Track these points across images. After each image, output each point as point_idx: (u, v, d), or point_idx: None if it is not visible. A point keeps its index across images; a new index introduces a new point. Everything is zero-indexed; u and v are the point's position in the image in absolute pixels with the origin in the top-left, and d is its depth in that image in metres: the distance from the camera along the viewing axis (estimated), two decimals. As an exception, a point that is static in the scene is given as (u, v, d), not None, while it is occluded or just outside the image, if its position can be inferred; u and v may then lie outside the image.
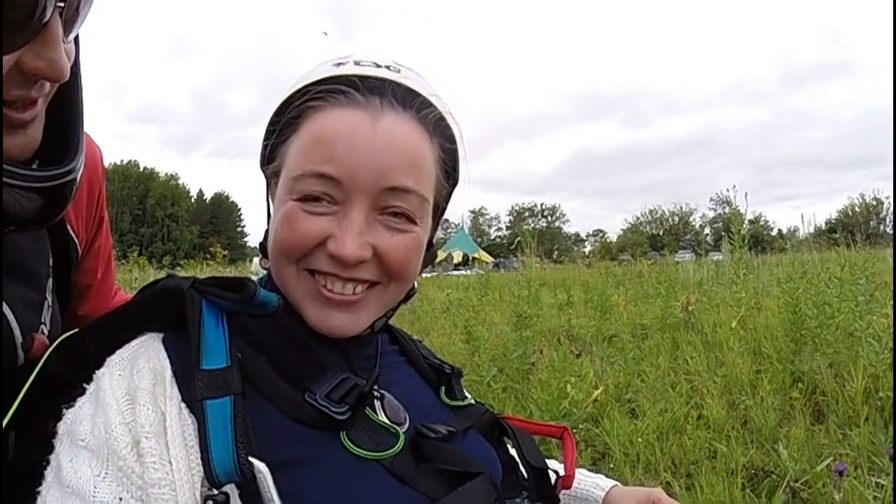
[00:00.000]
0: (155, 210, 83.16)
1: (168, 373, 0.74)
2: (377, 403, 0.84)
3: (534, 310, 6.01)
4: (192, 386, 0.71)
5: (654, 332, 6.78)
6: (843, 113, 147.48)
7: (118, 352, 0.78)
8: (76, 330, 0.85)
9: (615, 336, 6.63)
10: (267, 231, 0.90)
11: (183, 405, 0.72)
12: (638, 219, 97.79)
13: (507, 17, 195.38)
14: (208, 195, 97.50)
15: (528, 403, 4.29)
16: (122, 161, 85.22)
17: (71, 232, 1.03)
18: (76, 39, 0.76)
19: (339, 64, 0.83)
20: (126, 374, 0.75)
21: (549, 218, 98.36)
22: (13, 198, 0.70)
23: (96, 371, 0.77)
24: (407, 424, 0.85)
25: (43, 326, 0.91)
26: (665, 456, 3.60)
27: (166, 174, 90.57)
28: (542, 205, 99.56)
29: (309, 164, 0.79)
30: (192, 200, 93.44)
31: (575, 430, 3.72)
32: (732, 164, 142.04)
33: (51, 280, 0.96)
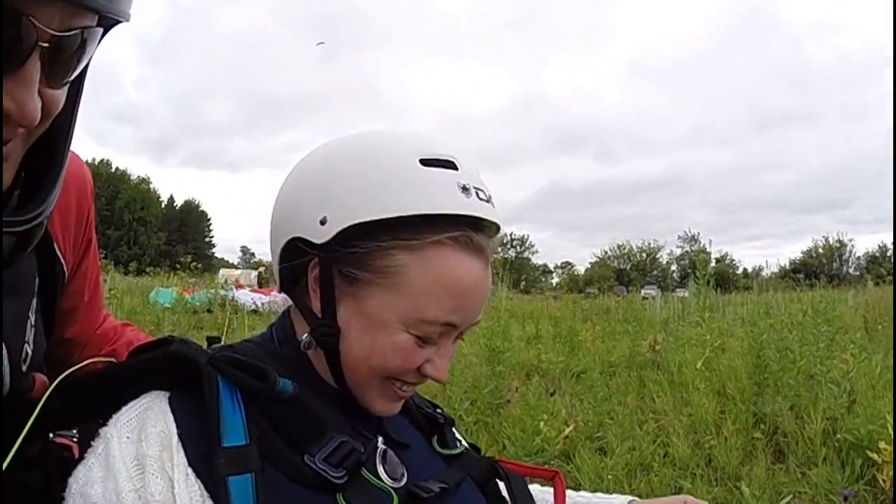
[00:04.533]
0: (123, 213, 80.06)
1: (174, 438, 0.76)
2: (378, 459, 0.86)
3: (504, 344, 6.09)
4: (214, 463, 0.73)
5: (622, 369, 6.92)
6: (808, 158, 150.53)
7: (125, 409, 0.80)
8: (76, 369, 0.86)
9: (584, 372, 6.74)
10: (304, 306, 0.90)
11: (189, 470, 0.74)
12: (606, 253, 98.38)
13: (485, 49, 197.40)
14: (178, 202, 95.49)
15: (500, 438, 4.38)
16: (93, 159, 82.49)
17: (58, 253, 1.01)
18: (77, 91, 0.76)
19: (465, 189, 0.84)
20: (134, 437, 0.76)
21: (518, 248, 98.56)
22: None
23: (103, 428, 0.79)
24: (404, 482, 0.86)
25: (27, 346, 0.89)
26: (633, 493, 3.68)
27: (138, 177, 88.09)
28: (511, 234, 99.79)
29: (441, 313, 0.83)
30: (162, 206, 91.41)
31: (546, 466, 3.81)
32: (700, 204, 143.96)
33: (35, 300, 0.94)
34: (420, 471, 0.90)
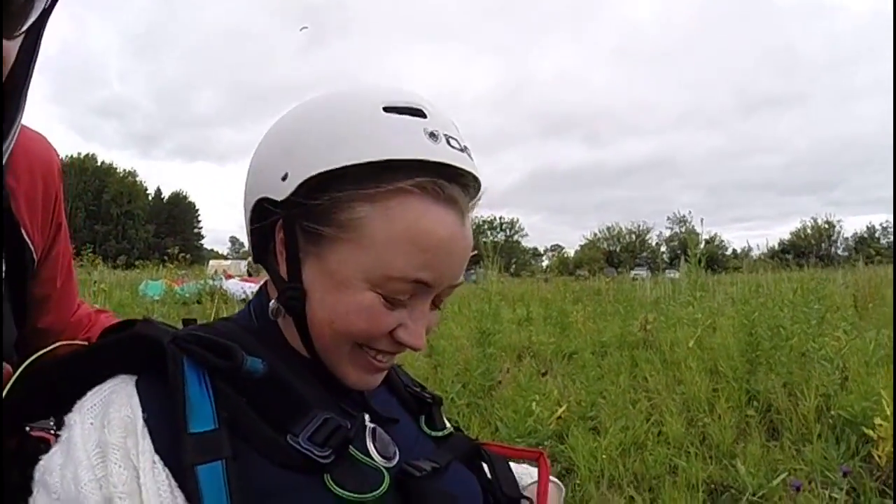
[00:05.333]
0: (111, 207, 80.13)
1: (139, 423, 0.70)
2: (368, 438, 0.82)
3: (495, 326, 6.08)
4: (181, 450, 0.68)
5: (614, 349, 6.90)
6: (796, 141, 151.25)
7: (89, 395, 0.75)
8: (40, 354, 0.83)
9: (575, 353, 6.75)
10: (274, 272, 0.85)
11: (157, 458, 0.68)
12: (595, 235, 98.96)
13: (472, 34, 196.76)
14: (166, 194, 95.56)
15: (493, 420, 4.36)
16: (79, 154, 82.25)
17: (26, 238, 0.98)
18: (33, 47, 0.73)
19: (432, 135, 0.78)
20: (97, 424, 0.71)
21: (508, 232, 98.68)
22: None
23: (67, 415, 0.74)
24: (396, 459, 0.83)
25: None
26: (628, 471, 3.71)
27: (124, 170, 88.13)
28: (500, 218, 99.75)
29: (409, 268, 0.76)
30: (150, 199, 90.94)
31: (540, 447, 3.80)
32: (688, 186, 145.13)
33: (3, 287, 0.91)
34: (410, 450, 0.87)
